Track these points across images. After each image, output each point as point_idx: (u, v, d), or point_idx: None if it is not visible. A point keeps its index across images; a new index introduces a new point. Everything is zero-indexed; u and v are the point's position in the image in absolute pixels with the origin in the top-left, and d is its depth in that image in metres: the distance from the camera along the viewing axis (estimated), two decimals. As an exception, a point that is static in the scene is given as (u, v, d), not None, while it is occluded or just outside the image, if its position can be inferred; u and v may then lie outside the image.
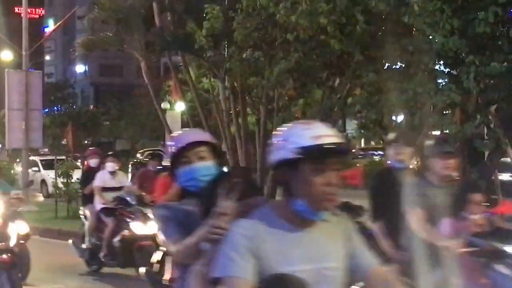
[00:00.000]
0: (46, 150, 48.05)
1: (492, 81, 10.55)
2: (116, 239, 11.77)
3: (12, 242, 9.15)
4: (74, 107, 67.39)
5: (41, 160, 32.72)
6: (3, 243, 8.99)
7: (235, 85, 15.59)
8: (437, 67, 10.86)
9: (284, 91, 14.73)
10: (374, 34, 10.84)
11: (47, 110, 52.60)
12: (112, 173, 12.47)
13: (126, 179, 12.93)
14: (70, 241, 13.06)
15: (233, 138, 15.93)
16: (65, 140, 32.41)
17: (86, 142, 54.16)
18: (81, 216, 13.19)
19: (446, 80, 10.70)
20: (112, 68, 79.53)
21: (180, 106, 38.37)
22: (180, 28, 16.18)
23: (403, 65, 11.30)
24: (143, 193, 12.14)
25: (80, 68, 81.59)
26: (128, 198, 11.97)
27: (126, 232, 11.66)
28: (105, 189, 12.29)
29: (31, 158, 32.80)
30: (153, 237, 10.80)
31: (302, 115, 16.36)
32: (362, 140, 30.52)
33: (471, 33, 10.27)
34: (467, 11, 10.42)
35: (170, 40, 15.61)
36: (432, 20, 10.06)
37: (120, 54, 50.69)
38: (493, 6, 9.91)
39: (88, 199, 12.67)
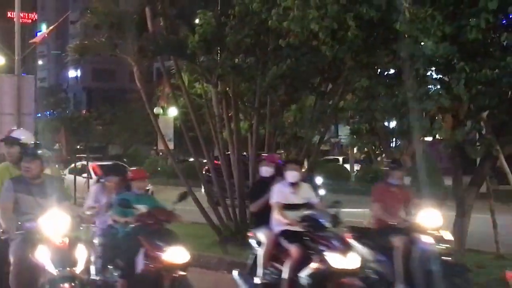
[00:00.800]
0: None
1: (483, 88, 10.57)
2: (304, 273, 9.16)
3: (79, 268, 7.88)
4: (67, 111, 67.35)
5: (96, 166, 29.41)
6: (69, 269, 7.77)
7: (228, 90, 15.60)
8: (428, 73, 10.88)
9: (276, 97, 14.74)
10: (365, 40, 10.86)
11: (39, 114, 52.52)
12: (293, 185, 9.95)
13: (312, 193, 10.17)
14: (235, 272, 10.72)
15: (226, 143, 15.94)
16: (58, 144, 32.32)
17: (78, 146, 54.05)
18: (250, 240, 10.56)
19: (438, 87, 10.72)
20: (105, 72, 79.52)
21: (172, 111, 38.47)
22: (173, 33, 16.18)
23: (394, 71, 11.32)
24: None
25: (72, 73, 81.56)
26: (320, 219, 9.38)
27: (318, 265, 9.07)
28: (285, 206, 9.81)
29: (79, 163, 31.51)
30: (355, 273, 8.87)
31: (294, 121, 16.42)
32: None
33: (463, 40, 10.30)
34: (459, 17, 10.46)
35: (163, 45, 15.60)
36: (423, 26, 10.09)
37: (113, 59, 50.62)
38: (485, 13, 9.93)
39: (259, 219, 10.30)
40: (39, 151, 8.48)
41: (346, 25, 10.41)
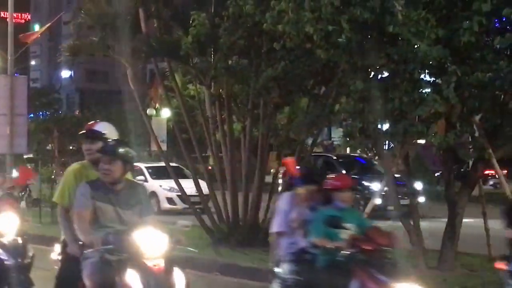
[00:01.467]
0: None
1: (475, 91, 10.60)
2: None
3: None
4: (60, 112, 67.16)
5: (147, 168, 27.57)
6: None
7: (221, 92, 15.60)
8: (421, 76, 10.90)
9: (269, 99, 14.74)
10: (359, 43, 10.87)
11: (32, 115, 52.37)
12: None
13: None
14: None
15: (219, 145, 15.93)
16: (50, 145, 32.24)
17: (71, 147, 53.94)
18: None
19: (430, 89, 10.74)
20: (98, 73, 79.40)
21: (165, 113, 38.41)
22: (166, 34, 16.16)
23: (388, 74, 11.34)
24: None
25: (65, 73, 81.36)
26: None
27: None
28: None
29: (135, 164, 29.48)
30: None
31: (287, 123, 16.41)
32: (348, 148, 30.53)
33: (456, 43, 10.33)
34: (452, 20, 10.48)
35: (156, 46, 15.59)
36: (416, 29, 10.10)
37: (106, 60, 50.50)
38: (478, 16, 9.96)
39: None
40: (121, 150, 6.63)
41: (341, 28, 10.42)
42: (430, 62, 10.38)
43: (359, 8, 10.30)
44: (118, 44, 16.28)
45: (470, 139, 11.96)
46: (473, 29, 10.00)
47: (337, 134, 38.41)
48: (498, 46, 10.22)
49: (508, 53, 10.59)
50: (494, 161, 11.83)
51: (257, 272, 12.41)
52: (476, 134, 11.82)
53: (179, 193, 20.66)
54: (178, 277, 6.32)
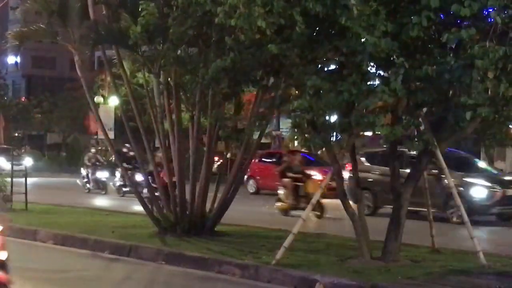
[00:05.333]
0: None
1: (422, 84, 10.74)
2: None
3: None
4: (5, 98, 66.19)
5: None
6: None
7: (170, 81, 15.53)
8: (369, 68, 11.01)
9: (218, 89, 14.71)
10: (310, 36, 10.93)
11: (-24, 101, 51.58)
12: None
13: None
14: None
15: (167, 134, 15.87)
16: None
17: (16, 134, 53.30)
18: None
19: (378, 82, 10.86)
20: (45, 60, 78.34)
21: (114, 101, 38.11)
22: (115, 22, 16.02)
23: (337, 66, 11.42)
24: None
25: (12, 59, 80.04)
26: None
27: None
28: None
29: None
30: None
31: (236, 113, 16.41)
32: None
33: (405, 37, 10.45)
34: (402, 14, 10.60)
35: (104, 34, 15.44)
36: (367, 23, 10.19)
37: (54, 47, 49.88)
38: (426, 11, 10.10)
39: None
40: None
41: (293, 21, 10.47)
42: (379, 54, 10.47)
43: (311, 1, 10.36)
44: (66, 31, 16.11)
45: (416, 132, 12.10)
46: (422, 24, 10.14)
47: (286, 125, 38.46)
48: (445, 41, 10.36)
49: (455, 48, 10.74)
50: (439, 153, 12.00)
51: (202, 261, 12.44)
52: (422, 127, 11.98)
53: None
54: None
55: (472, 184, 20.76)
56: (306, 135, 12.21)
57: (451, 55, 10.53)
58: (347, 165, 18.89)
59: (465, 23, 10.39)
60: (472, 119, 10.87)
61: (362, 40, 10.39)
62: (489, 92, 10.55)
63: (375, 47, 10.22)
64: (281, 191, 22.13)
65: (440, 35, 10.49)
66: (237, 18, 10.73)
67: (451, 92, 11.30)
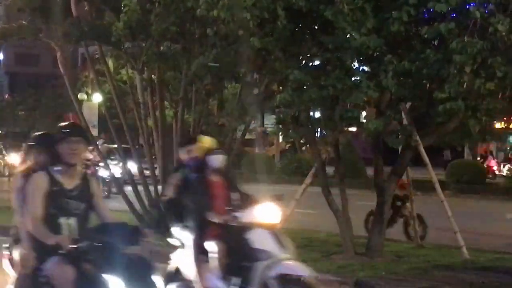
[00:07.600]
0: None
1: (403, 79, 10.76)
2: None
3: None
4: (-12, 96, 65.84)
5: None
6: None
7: (153, 77, 15.49)
8: (354, 64, 11.02)
9: (202, 86, 14.70)
10: (293, 30, 10.91)
11: (-41, 98, 51.28)
12: None
13: None
14: None
15: (150, 131, 15.84)
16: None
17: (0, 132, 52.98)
18: None
19: (363, 77, 10.84)
20: (28, 57, 77.88)
21: (97, 98, 37.93)
22: (98, 18, 15.96)
23: (320, 62, 11.41)
24: None
25: (-6, 56, 79.67)
26: None
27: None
28: None
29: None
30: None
31: (219, 109, 16.41)
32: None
33: (386, 32, 10.47)
34: (382, 10, 10.61)
35: (87, 31, 15.37)
36: (351, 19, 10.20)
37: (37, 43, 49.67)
38: (406, 6, 10.13)
39: None
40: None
41: (276, 15, 10.45)
42: (366, 51, 10.48)
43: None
44: (48, 28, 16.04)
45: (398, 127, 12.13)
46: (402, 19, 10.17)
47: (270, 121, 38.48)
48: (425, 36, 10.39)
49: (435, 43, 10.78)
50: (421, 148, 12.03)
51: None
52: (404, 122, 12.02)
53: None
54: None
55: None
56: (290, 131, 12.22)
57: (430, 49, 10.55)
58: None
59: (446, 18, 10.42)
60: (454, 114, 10.88)
61: (347, 36, 10.40)
62: (465, 86, 10.51)
63: (363, 44, 10.23)
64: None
65: (420, 30, 10.54)
66: (219, 9, 10.63)
67: (429, 87, 11.33)
